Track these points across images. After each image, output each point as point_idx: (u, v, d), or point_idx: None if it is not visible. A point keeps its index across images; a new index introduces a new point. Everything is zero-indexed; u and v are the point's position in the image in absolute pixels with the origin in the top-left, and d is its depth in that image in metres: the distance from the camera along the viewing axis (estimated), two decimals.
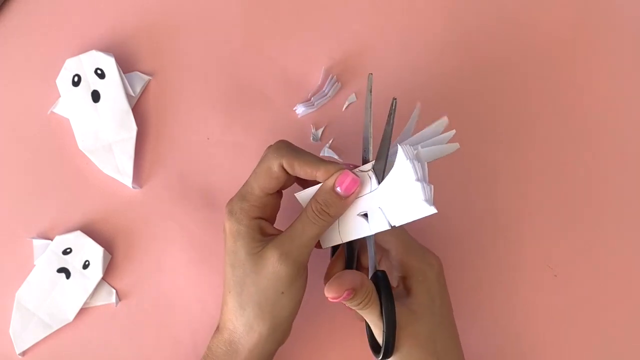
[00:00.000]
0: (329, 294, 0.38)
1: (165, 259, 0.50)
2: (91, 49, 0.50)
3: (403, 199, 0.38)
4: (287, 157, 0.40)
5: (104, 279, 0.50)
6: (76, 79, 0.50)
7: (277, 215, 0.44)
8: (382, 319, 0.39)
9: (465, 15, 0.54)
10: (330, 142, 0.52)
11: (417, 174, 0.37)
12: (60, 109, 0.51)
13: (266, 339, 0.41)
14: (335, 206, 0.39)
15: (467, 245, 0.51)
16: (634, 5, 0.54)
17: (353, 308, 0.39)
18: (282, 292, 0.40)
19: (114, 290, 0.50)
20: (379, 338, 0.40)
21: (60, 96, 0.51)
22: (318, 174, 0.40)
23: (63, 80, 0.50)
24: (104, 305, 0.50)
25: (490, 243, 0.51)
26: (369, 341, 0.42)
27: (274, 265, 0.39)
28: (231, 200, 0.42)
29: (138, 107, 0.52)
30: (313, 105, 0.51)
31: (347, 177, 0.39)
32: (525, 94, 0.53)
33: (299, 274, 0.40)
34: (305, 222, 0.40)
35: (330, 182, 0.39)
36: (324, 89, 0.51)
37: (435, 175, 0.52)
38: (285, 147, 0.41)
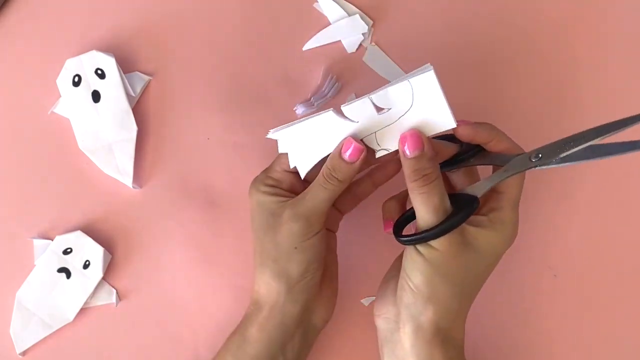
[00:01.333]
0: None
1: (165, 259, 0.50)
2: (91, 49, 0.50)
3: (427, 110, 0.40)
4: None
5: (104, 279, 0.50)
6: (76, 79, 0.50)
7: None
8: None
9: (465, 15, 0.54)
10: (340, 113, 0.51)
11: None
12: (61, 109, 0.51)
13: (285, 297, 0.43)
14: (343, 171, 0.41)
15: None
16: (633, 4, 0.54)
17: (416, 180, 0.39)
18: (295, 248, 0.42)
19: (114, 290, 0.50)
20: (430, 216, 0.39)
21: (60, 96, 0.51)
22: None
23: (63, 80, 0.50)
24: (104, 305, 0.50)
25: None
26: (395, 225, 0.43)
27: (287, 222, 0.42)
28: (255, 177, 0.45)
29: (138, 107, 0.52)
30: (313, 105, 0.51)
31: (350, 144, 0.41)
32: (526, 94, 0.53)
33: (312, 231, 0.42)
34: (316, 185, 0.42)
35: (337, 148, 0.42)
36: (323, 89, 0.51)
37: None
38: None
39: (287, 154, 0.43)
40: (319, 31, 0.53)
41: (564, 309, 0.51)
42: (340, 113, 0.41)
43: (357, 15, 0.52)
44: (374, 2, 0.54)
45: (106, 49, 0.51)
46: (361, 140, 0.42)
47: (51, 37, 0.52)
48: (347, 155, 0.41)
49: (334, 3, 0.53)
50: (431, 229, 0.39)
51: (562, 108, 0.53)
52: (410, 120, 0.40)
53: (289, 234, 0.42)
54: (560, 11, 0.54)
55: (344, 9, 0.53)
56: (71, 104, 0.50)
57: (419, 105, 0.40)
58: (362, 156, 0.41)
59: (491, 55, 0.54)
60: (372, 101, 0.40)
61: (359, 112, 0.41)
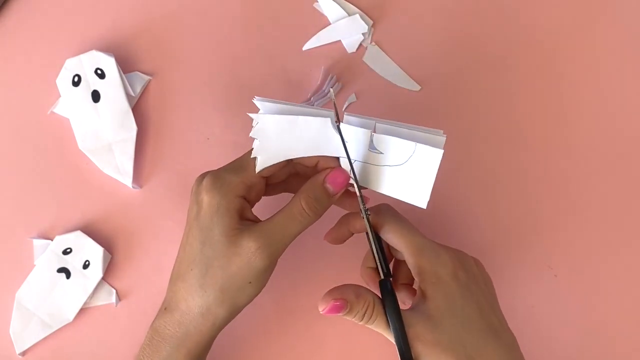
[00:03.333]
0: (319, 306, 0.37)
1: (165, 259, 0.50)
2: (91, 49, 0.50)
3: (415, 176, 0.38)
4: None
5: (104, 279, 0.50)
6: (76, 79, 0.50)
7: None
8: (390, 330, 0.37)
9: (465, 15, 0.54)
10: (337, 123, 0.51)
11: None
12: (61, 109, 0.51)
13: (221, 322, 0.39)
14: (324, 202, 0.39)
15: (467, 246, 0.51)
16: (632, 3, 0.54)
17: (360, 323, 0.38)
18: (250, 282, 0.38)
19: (114, 290, 0.50)
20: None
21: (60, 96, 0.51)
22: (319, 162, 0.40)
23: (63, 80, 0.50)
24: (104, 305, 0.50)
25: (490, 243, 0.51)
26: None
27: (249, 255, 0.38)
28: (215, 171, 0.40)
29: (138, 107, 0.52)
30: (313, 105, 0.51)
31: (341, 174, 0.38)
32: (527, 94, 0.53)
33: (271, 266, 0.39)
34: (290, 217, 0.38)
35: (320, 176, 0.39)
36: (323, 89, 0.51)
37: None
38: None
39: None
40: (319, 31, 0.53)
41: (564, 309, 0.51)
42: (336, 124, 0.39)
43: (357, 15, 0.52)
44: (374, 2, 0.54)
45: (106, 49, 0.51)
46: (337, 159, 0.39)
47: (51, 37, 0.52)
48: (331, 184, 0.38)
49: (334, 3, 0.53)
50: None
51: (561, 109, 0.53)
52: (392, 176, 0.39)
53: (247, 268, 0.38)
54: (560, 11, 0.54)
55: (344, 9, 0.53)
56: (71, 104, 0.50)
57: (409, 168, 0.38)
58: (343, 189, 0.39)
59: (491, 55, 0.53)
60: (371, 138, 0.38)
61: (353, 136, 0.39)
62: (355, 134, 0.39)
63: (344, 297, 0.37)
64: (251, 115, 0.39)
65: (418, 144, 0.37)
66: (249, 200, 0.40)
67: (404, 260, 0.41)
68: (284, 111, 0.39)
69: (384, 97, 0.52)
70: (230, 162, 0.40)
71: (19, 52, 0.52)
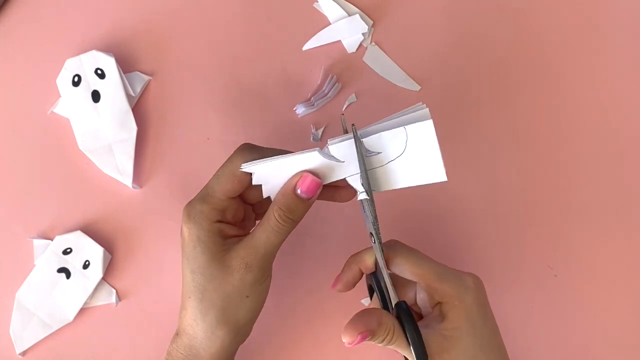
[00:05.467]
0: (344, 338, 0.37)
1: (165, 259, 0.50)
2: (91, 49, 0.50)
3: (418, 162, 0.38)
4: (254, 156, 0.40)
5: (104, 279, 0.50)
6: (76, 79, 0.50)
7: None
8: (411, 350, 0.38)
9: (465, 15, 0.54)
10: (325, 150, 0.51)
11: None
12: (61, 109, 0.51)
13: (229, 342, 0.40)
14: (298, 210, 0.39)
15: (467, 246, 0.51)
16: (632, 4, 0.54)
17: (379, 345, 0.38)
18: (247, 296, 0.40)
19: (114, 290, 0.50)
20: None
21: (60, 96, 0.51)
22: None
23: (63, 80, 0.50)
24: (104, 305, 0.50)
25: (491, 243, 0.51)
26: None
27: (240, 273, 0.39)
28: (190, 202, 0.41)
29: (138, 107, 0.52)
30: (313, 105, 0.51)
31: (306, 179, 0.39)
32: (526, 94, 0.53)
33: (264, 277, 0.40)
34: (268, 230, 0.39)
35: (291, 184, 0.39)
36: (323, 89, 0.51)
37: None
38: (249, 149, 0.41)
39: (231, 174, 0.40)
40: (319, 31, 0.53)
41: (564, 309, 0.51)
42: (325, 152, 0.39)
43: (357, 15, 0.52)
44: (374, 2, 0.54)
45: (106, 49, 0.51)
46: (344, 179, 0.39)
47: (51, 37, 0.52)
48: (303, 191, 0.39)
49: (334, 3, 0.53)
50: None
51: (561, 109, 0.53)
52: (400, 167, 0.39)
53: (241, 284, 0.39)
54: (561, 11, 0.54)
55: (344, 9, 0.53)
56: (71, 104, 0.50)
57: (411, 152, 0.39)
58: (319, 191, 0.39)
59: (491, 55, 0.53)
60: (362, 145, 0.39)
61: (345, 152, 0.39)
62: (346, 149, 0.39)
63: (369, 328, 0.37)
64: (244, 167, 0.39)
65: (407, 127, 0.38)
66: (227, 222, 0.41)
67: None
68: (274, 159, 0.39)
69: (384, 97, 0.52)
70: (200, 191, 0.41)
71: (19, 52, 0.52)
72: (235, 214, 0.42)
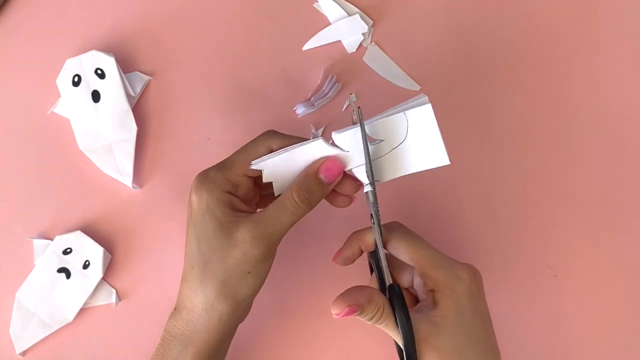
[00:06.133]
0: (332, 309, 0.38)
1: (165, 259, 0.50)
2: (91, 49, 0.50)
3: (419, 147, 0.39)
4: (277, 140, 0.41)
5: (104, 279, 0.50)
6: (76, 79, 0.50)
7: None
8: (399, 331, 0.38)
9: (465, 15, 0.54)
10: (330, 142, 0.52)
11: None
12: (61, 109, 0.51)
13: (227, 317, 0.40)
14: (317, 193, 0.39)
15: (467, 245, 0.51)
16: (632, 4, 0.54)
17: (368, 323, 0.39)
18: (249, 272, 0.39)
19: (114, 290, 0.50)
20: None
21: (60, 96, 0.51)
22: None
23: (63, 80, 0.50)
24: (104, 305, 0.50)
25: (490, 242, 0.51)
26: (398, 354, 0.41)
27: (245, 246, 0.38)
28: (203, 171, 0.41)
29: (138, 107, 0.52)
30: (313, 105, 0.51)
31: (332, 163, 0.39)
32: (526, 94, 0.53)
33: (269, 256, 0.40)
34: (283, 208, 0.39)
35: (314, 167, 0.39)
36: (323, 89, 0.51)
37: (435, 176, 0.52)
38: (275, 133, 0.42)
39: (253, 153, 0.41)
40: (319, 31, 0.53)
41: (564, 309, 0.51)
42: (330, 141, 0.40)
43: (357, 15, 0.52)
44: (374, 2, 0.54)
45: (106, 49, 0.51)
46: (350, 170, 0.40)
47: (51, 37, 0.52)
48: (325, 175, 0.39)
49: (334, 3, 0.53)
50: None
51: (561, 108, 0.53)
52: (403, 153, 0.40)
53: (244, 259, 0.39)
54: (561, 11, 0.54)
55: (344, 9, 0.53)
56: (71, 104, 0.50)
57: (413, 138, 0.39)
58: (339, 177, 0.39)
59: (491, 55, 0.53)
60: (366, 133, 0.39)
61: (350, 141, 0.40)
62: (350, 139, 0.40)
63: (357, 302, 0.38)
64: (253, 165, 0.40)
65: (407, 112, 0.39)
66: (238, 196, 0.41)
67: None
68: (280, 153, 0.40)
69: (384, 97, 0.52)
70: (217, 163, 0.42)
71: (19, 52, 0.52)
72: (247, 193, 0.41)
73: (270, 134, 0.42)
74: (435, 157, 0.39)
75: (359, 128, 0.39)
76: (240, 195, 0.41)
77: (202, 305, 0.39)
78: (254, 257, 0.39)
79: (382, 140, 0.40)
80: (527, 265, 0.51)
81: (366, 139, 0.39)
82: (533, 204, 0.52)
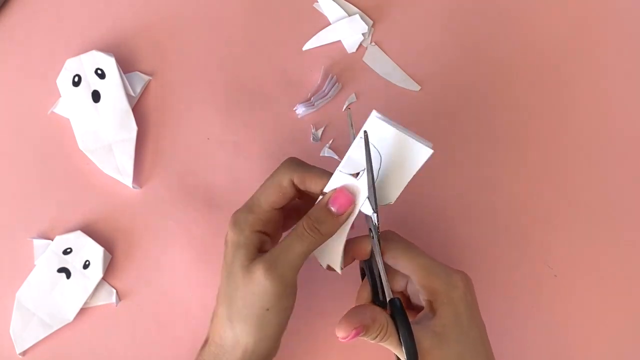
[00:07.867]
0: (338, 333, 0.38)
1: (165, 259, 0.50)
2: (91, 49, 0.50)
3: (397, 160, 0.39)
4: (299, 172, 0.41)
5: (104, 279, 0.50)
6: (76, 79, 0.50)
7: None
8: (402, 347, 0.38)
9: (465, 15, 0.54)
10: (330, 142, 0.52)
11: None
12: (61, 109, 0.51)
13: (250, 354, 0.41)
14: (327, 224, 0.40)
15: (467, 246, 0.51)
16: (632, 5, 0.54)
17: (371, 342, 0.39)
18: (267, 309, 0.40)
19: (114, 290, 0.50)
20: None
21: (60, 96, 0.51)
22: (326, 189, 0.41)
23: (63, 80, 0.50)
24: (104, 305, 0.50)
25: (491, 243, 0.51)
26: None
27: (259, 279, 0.39)
28: (237, 211, 0.42)
29: (138, 107, 0.52)
30: (313, 105, 0.51)
31: (341, 195, 0.40)
32: (526, 94, 0.53)
33: (285, 291, 0.40)
34: (293, 237, 0.40)
35: (325, 198, 0.40)
36: (323, 89, 0.51)
37: (435, 176, 0.52)
38: (296, 163, 0.42)
39: (278, 186, 0.41)
40: (319, 31, 0.53)
41: (564, 309, 0.51)
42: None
43: (357, 15, 0.52)
44: (374, 2, 0.54)
45: (106, 49, 0.51)
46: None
47: (51, 37, 0.52)
48: (335, 206, 0.39)
49: (334, 3, 0.53)
50: None
51: (560, 108, 0.53)
52: (389, 171, 0.39)
53: (260, 293, 0.39)
54: (561, 11, 0.54)
55: (344, 9, 0.53)
56: (71, 104, 0.50)
57: (387, 152, 0.39)
58: (350, 209, 0.40)
59: (491, 55, 0.54)
60: (342, 172, 0.39)
61: (338, 184, 0.40)
62: (337, 182, 0.40)
63: (363, 324, 0.38)
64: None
65: (360, 133, 0.39)
66: (269, 233, 0.42)
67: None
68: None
69: (384, 97, 0.52)
70: (246, 202, 0.43)
71: (19, 52, 0.52)
72: (277, 226, 0.43)
73: (291, 162, 0.42)
74: (417, 156, 0.39)
75: (337, 171, 0.39)
76: (273, 230, 0.42)
77: (230, 342, 0.41)
78: (269, 291, 0.39)
79: (363, 170, 0.39)
80: (527, 265, 0.51)
81: (371, 168, 0.39)
82: (533, 204, 0.52)
